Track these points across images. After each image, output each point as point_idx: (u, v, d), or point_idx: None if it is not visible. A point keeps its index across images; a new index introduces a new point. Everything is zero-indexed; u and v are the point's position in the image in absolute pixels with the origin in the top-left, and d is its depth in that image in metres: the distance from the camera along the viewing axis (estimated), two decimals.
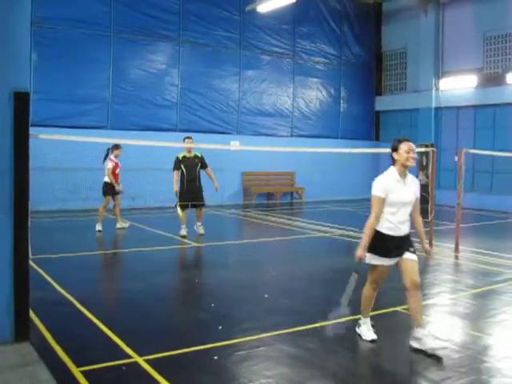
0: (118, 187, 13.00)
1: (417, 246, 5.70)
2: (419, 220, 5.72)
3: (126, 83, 18.46)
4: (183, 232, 12.19)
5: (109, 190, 13.01)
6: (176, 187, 12.04)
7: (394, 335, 5.97)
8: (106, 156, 12.99)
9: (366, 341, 5.64)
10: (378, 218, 5.41)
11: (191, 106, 19.78)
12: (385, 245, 5.42)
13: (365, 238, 5.42)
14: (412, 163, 5.41)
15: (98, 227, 12.85)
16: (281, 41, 21.76)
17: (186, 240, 11.89)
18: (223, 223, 16.07)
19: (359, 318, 5.85)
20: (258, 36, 21.15)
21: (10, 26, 5.15)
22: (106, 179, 13.03)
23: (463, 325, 6.45)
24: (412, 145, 5.47)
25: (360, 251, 5.38)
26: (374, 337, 5.66)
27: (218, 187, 12.43)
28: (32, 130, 5.50)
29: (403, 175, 5.46)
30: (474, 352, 5.45)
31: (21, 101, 5.16)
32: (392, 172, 5.47)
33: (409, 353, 5.48)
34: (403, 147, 5.40)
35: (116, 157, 13.05)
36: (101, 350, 5.37)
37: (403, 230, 5.47)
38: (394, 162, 5.48)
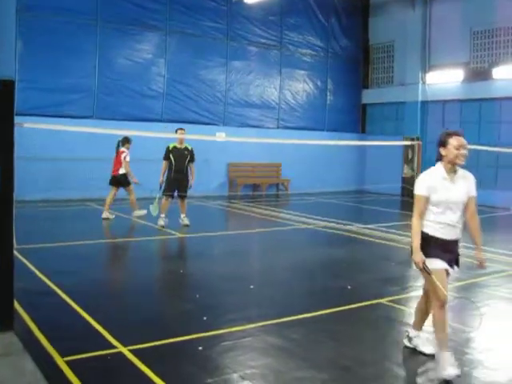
0: (133, 178, 13.48)
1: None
2: (474, 223, 5.03)
3: (113, 73, 18.34)
4: (162, 222, 12.21)
5: (124, 180, 13.42)
6: (162, 178, 12.24)
7: (379, 327, 6.01)
8: (117, 148, 13.44)
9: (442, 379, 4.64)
10: (420, 217, 4.83)
11: (177, 96, 19.69)
12: (434, 246, 4.82)
13: (414, 240, 4.83)
14: (462, 161, 4.80)
15: (141, 212, 13.54)
16: (268, 32, 21.70)
17: (170, 231, 11.85)
18: (208, 214, 16.05)
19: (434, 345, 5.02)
20: (245, 27, 21.09)
21: None
22: (122, 171, 13.35)
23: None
24: (463, 140, 4.80)
25: (417, 255, 4.78)
26: (456, 372, 4.61)
27: (193, 185, 12.50)
28: (17, 119, 5.45)
29: (451, 172, 4.86)
30: (456, 344, 5.50)
31: (6, 89, 5.11)
32: (438, 168, 4.87)
33: (392, 344, 5.53)
34: (453, 142, 4.77)
35: (127, 149, 13.46)
36: (85, 339, 5.36)
37: (453, 233, 4.89)
38: (440, 157, 4.86)
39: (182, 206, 12.54)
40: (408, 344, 5.28)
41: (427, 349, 5.16)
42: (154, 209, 12.35)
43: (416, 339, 5.24)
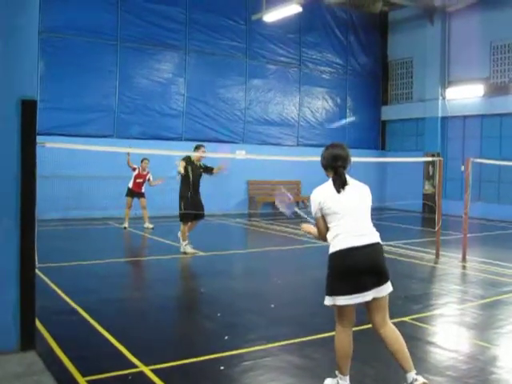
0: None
1: None
2: None
3: (132, 92, 18.52)
4: (189, 249, 11.30)
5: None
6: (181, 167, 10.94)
7: None
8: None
9: None
10: None
11: (197, 115, 19.80)
12: None
13: None
14: None
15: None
16: (287, 50, 21.81)
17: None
18: (228, 232, 16.03)
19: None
20: (264, 45, 21.20)
21: (18, 35, 5.17)
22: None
23: (471, 335, 6.39)
24: None
25: None
26: None
27: (224, 166, 11.38)
28: (39, 139, 5.50)
29: None
30: (482, 363, 5.39)
31: (28, 109, 5.16)
32: None
33: (416, 363, 5.42)
34: None
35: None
36: (107, 359, 5.34)
37: None
38: None
39: (192, 228, 11.66)
40: None
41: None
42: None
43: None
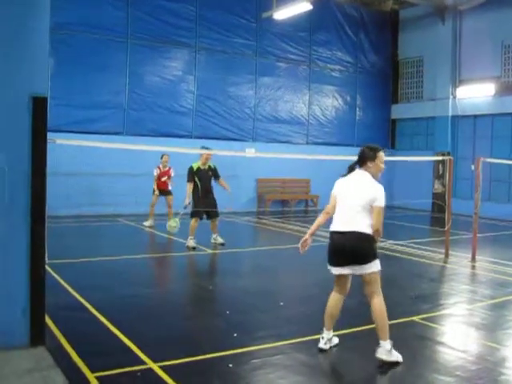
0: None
1: None
2: None
3: (143, 89, 18.54)
4: (192, 243, 11.48)
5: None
6: (188, 200, 11.48)
7: (412, 345, 5.90)
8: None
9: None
10: None
11: (207, 112, 19.81)
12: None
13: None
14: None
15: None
16: (297, 48, 21.76)
17: (200, 246, 11.80)
18: (237, 230, 16.04)
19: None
20: (274, 43, 21.17)
21: (30, 32, 5.18)
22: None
23: (480, 336, 6.36)
24: None
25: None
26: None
27: (230, 191, 11.92)
28: (50, 135, 5.52)
29: None
30: (491, 364, 5.37)
31: (39, 105, 5.18)
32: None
33: (425, 363, 5.42)
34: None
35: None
36: (116, 355, 5.36)
37: None
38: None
39: (213, 227, 11.97)
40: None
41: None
42: (172, 225, 12.11)
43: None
